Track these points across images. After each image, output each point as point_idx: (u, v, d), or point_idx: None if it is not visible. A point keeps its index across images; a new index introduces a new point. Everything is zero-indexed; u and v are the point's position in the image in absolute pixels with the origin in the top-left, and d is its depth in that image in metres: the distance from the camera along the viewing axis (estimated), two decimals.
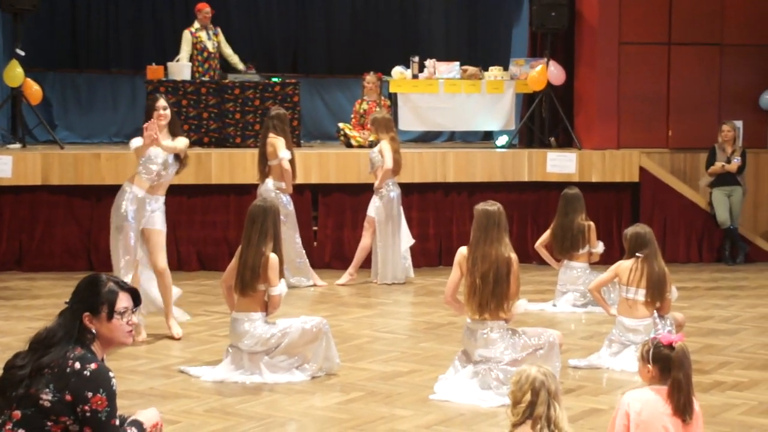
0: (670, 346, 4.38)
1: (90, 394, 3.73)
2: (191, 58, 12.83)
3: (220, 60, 13.09)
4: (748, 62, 13.04)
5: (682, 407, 4.36)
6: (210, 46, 12.97)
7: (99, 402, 3.73)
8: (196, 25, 12.97)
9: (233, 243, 10.53)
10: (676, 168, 12.75)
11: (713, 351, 8.03)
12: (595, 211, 11.82)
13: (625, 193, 12.46)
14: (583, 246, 9.70)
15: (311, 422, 6.20)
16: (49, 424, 3.73)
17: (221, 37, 13.13)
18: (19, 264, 11.17)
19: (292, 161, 10.36)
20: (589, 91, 12.88)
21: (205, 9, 12.96)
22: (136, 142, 8.17)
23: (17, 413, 3.72)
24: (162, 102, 8.22)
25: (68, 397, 3.71)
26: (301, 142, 12.69)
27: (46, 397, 3.72)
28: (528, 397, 4.04)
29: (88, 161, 11.21)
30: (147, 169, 8.16)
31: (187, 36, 12.91)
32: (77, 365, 3.75)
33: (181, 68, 12.51)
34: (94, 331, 3.91)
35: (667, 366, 4.37)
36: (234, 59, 13.17)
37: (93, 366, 3.77)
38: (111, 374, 3.84)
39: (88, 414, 3.72)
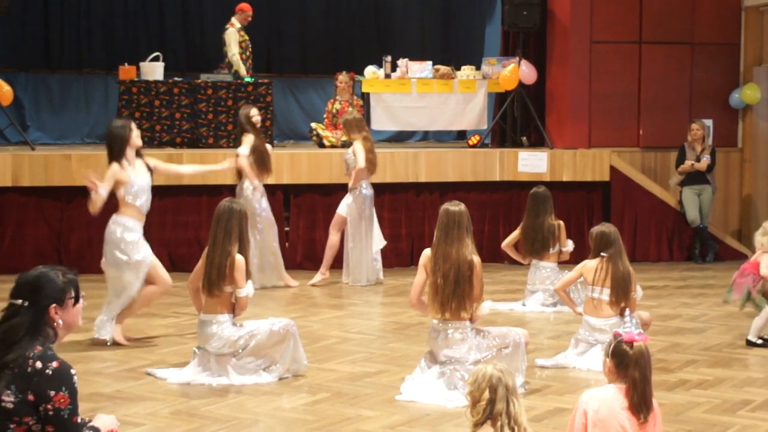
0: (630, 344, 4.41)
1: (53, 393, 3.71)
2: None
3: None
4: (718, 61, 13.12)
5: (636, 406, 4.39)
6: (251, 45, 13.05)
7: (62, 400, 3.72)
8: (237, 24, 12.97)
9: (205, 244, 10.41)
10: (646, 167, 12.82)
11: (679, 349, 8.08)
12: (566, 210, 11.89)
13: (596, 192, 12.52)
14: (554, 246, 9.74)
15: (277, 424, 6.21)
16: (11, 426, 3.71)
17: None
18: None
19: (265, 157, 10.37)
20: (560, 90, 12.94)
21: (249, 11, 12.99)
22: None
23: None
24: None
25: (31, 397, 3.69)
26: (274, 142, 12.67)
27: (8, 398, 3.69)
28: (486, 395, 4.06)
29: (59, 162, 11.18)
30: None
31: (234, 34, 12.93)
32: (38, 364, 3.73)
33: (153, 68, 12.48)
34: (60, 322, 3.90)
35: (623, 362, 4.40)
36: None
37: (55, 364, 3.75)
38: (72, 371, 3.83)
39: (51, 413, 3.70)
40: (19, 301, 3.85)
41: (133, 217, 8.05)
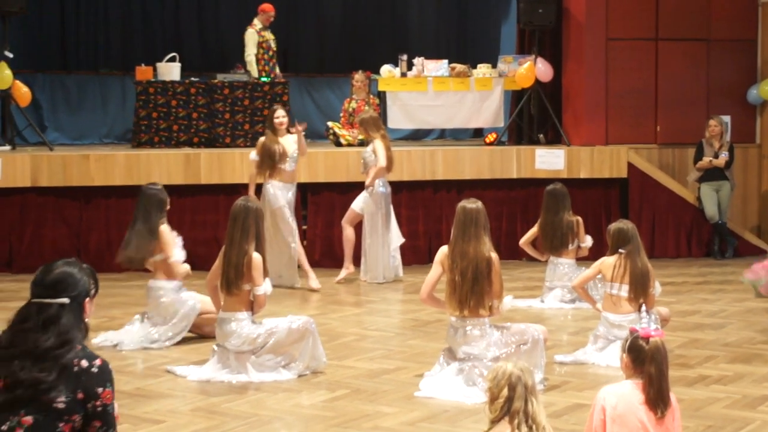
0: (646, 340, 4.41)
1: (100, 390, 3.74)
2: (257, 58, 13.00)
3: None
4: (735, 57, 13.08)
5: (653, 401, 4.40)
6: (274, 45, 13.07)
7: (108, 396, 3.76)
8: (259, 24, 13.02)
9: (223, 242, 10.53)
10: (664, 163, 12.79)
11: (699, 345, 8.07)
12: (583, 207, 11.86)
13: (613, 188, 12.50)
14: (573, 242, 9.73)
15: (296, 420, 6.22)
16: (60, 425, 3.75)
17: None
18: (9, 266, 11.21)
19: (273, 156, 10.30)
20: (576, 87, 12.92)
21: (271, 12, 13.03)
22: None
23: (28, 419, 3.70)
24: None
25: (80, 396, 3.71)
26: None
27: (60, 399, 3.72)
28: (505, 392, 4.06)
29: (77, 162, 11.23)
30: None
31: (253, 35, 12.99)
32: (84, 363, 3.75)
33: (170, 69, 12.53)
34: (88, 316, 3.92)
35: (640, 358, 4.41)
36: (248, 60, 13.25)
37: (98, 362, 3.78)
38: (111, 366, 3.86)
39: (99, 409, 3.73)
40: (61, 300, 3.81)
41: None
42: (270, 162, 10.25)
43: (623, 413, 4.39)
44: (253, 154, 10.39)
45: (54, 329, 3.76)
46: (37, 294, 3.84)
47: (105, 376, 3.77)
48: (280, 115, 10.36)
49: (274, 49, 13.12)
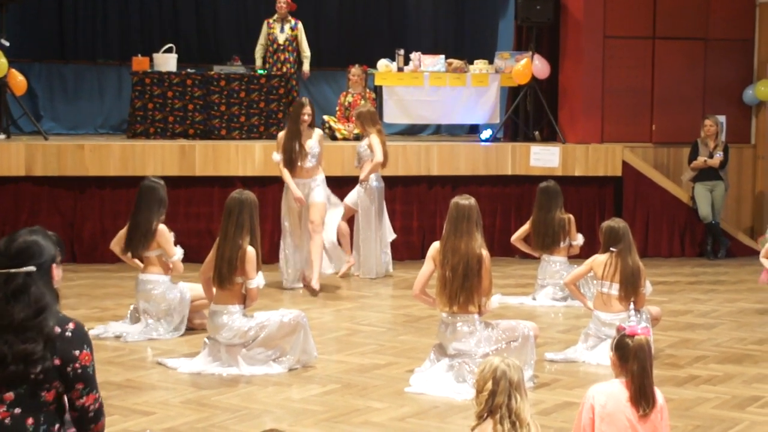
0: (632, 337, 4.44)
1: (77, 352, 3.75)
2: (265, 50, 13.02)
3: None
4: (732, 57, 13.09)
5: (635, 398, 4.43)
6: (281, 38, 13.03)
7: (86, 357, 3.77)
8: (275, 16, 13.02)
9: (216, 234, 10.50)
10: (659, 162, 12.80)
11: (689, 345, 8.09)
12: (577, 205, 11.90)
13: (607, 187, 12.51)
14: (564, 240, 9.75)
15: (287, 414, 6.23)
16: (43, 393, 3.75)
17: (299, 32, 13.11)
18: None
19: (293, 155, 9.98)
20: (573, 85, 12.92)
21: (280, 1, 12.99)
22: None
23: (9, 395, 3.71)
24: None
25: (57, 362, 3.72)
26: None
27: (39, 367, 3.73)
28: (489, 386, 4.08)
29: (72, 152, 11.23)
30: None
31: (264, 27, 13.06)
32: (57, 329, 3.75)
33: (167, 60, 12.52)
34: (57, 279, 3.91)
35: (625, 356, 4.44)
36: (304, 54, 13.20)
37: (71, 325, 3.78)
38: (85, 327, 3.87)
39: (79, 371, 3.75)
40: (27, 268, 3.77)
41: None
42: (287, 158, 9.94)
43: (612, 412, 4.42)
44: (275, 155, 10.06)
45: (25, 299, 3.75)
46: (2, 264, 3.80)
47: (81, 338, 3.78)
48: (307, 113, 9.90)
49: (280, 42, 13.05)
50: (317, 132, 10.14)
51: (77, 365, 3.74)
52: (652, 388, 4.47)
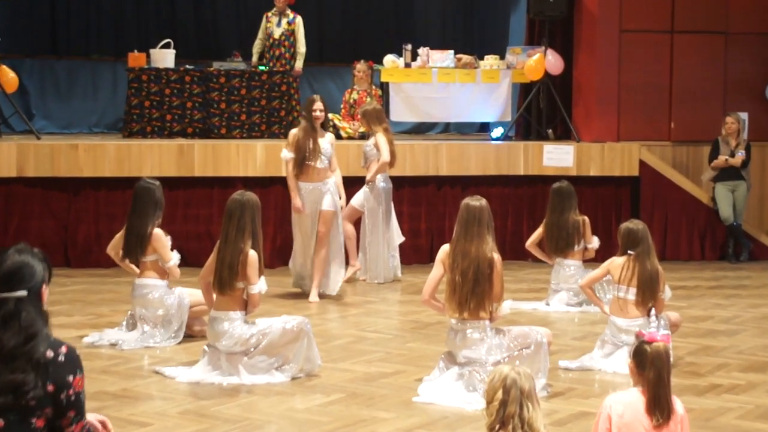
0: (650, 344, 4.43)
1: (71, 378, 3.72)
2: (263, 45, 13.07)
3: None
4: (753, 51, 13.07)
5: (650, 407, 4.42)
6: (277, 33, 13.01)
7: (79, 383, 3.75)
8: (273, 9, 13.04)
9: (216, 237, 10.50)
10: (677, 162, 12.78)
11: (711, 353, 8.07)
12: (593, 207, 11.89)
13: (624, 187, 12.50)
14: (578, 243, 9.73)
15: (290, 425, 6.22)
16: (33, 420, 3.74)
17: (296, 26, 13.04)
18: None
19: (305, 154, 9.77)
20: (588, 81, 12.91)
21: None
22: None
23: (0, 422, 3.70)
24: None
25: (50, 388, 3.68)
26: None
27: (30, 395, 3.71)
28: (499, 395, 4.07)
29: (66, 152, 11.23)
30: None
31: (263, 20, 13.09)
32: (49, 353, 3.72)
33: (164, 56, 12.53)
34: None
35: (642, 363, 4.43)
36: (298, 50, 13.08)
37: (63, 349, 3.75)
38: (77, 351, 3.85)
39: (72, 398, 3.71)
40: (18, 293, 3.72)
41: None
42: (299, 158, 9.72)
43: (630, 422, 4.41)
44: (285, 152, 9.82)
45: (15, 325, 3.70)
46: None
47: (73, 363, 3.75)
48: (318, 108, 9.77)
49: (276, 37, 13.05)
50: (330, 135, 10.09)
51: (71, 392, 3.72)
52: (669, 398, 4.45)
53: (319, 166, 9.76)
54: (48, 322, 3.80)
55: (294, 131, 9.93)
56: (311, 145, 9.71)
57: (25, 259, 3.80)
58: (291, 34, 13.07)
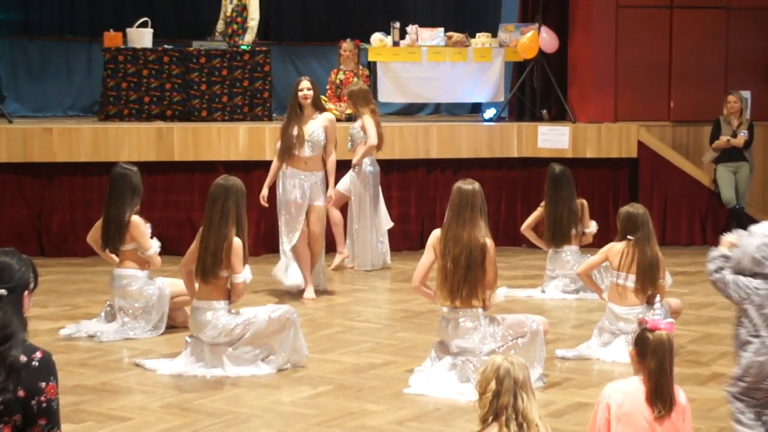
0: (653, 332, 4.45)
1: (43, 384, 3.74)
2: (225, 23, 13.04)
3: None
4: (757, 27, 13.08)
5: (651, 398, 4.44)
6: (229, 9, 12.95)
7: (52, 390, 3.76)
8: None
9: (197, 224, 10.52)
10: (677, 143, 12.81)
11: (713, 340, 8.11)
12: (589, 190, 11.91)
13: (622, 170, 12.52)
14: (576, 227, 9.76)
15: (276, 418, 6.25)
16: (0, 426, 3.75)
17: (249, 1, 12.98)
18: None
19: (290, 141, 9.42)
20: (584, 59, 12.92)
21: None
22: None
23: None
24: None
25: (21, 393, 3.70)
26: (273, 115, 12.69)
27: (0, 399, 3.72)
28: (492, 386, 4.09)
29: (39, 136, 11.21)
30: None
31: None
32: (23, 358, 3.75)
33: (141, 35, 12.49)
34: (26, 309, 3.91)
35: (644, 351, 4.45)
36: (249, 24, 12.94)
37: (38, 354, 3.77)
38: (53, 357, 3.86)
39: (44, 405, 3.73)
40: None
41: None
42: (283, 146, 9.43)
43: (629, 412, 4.43)
44: (279, 144, 9.57)
45: None
46: None
47: (47, 369, 3.77)
48: (305, 87, 9.39)
49: (228, 14, 12.95)
50: (325, 117, 9.53)
51: (42, 398, 3.73)
52: (671, 389, 4.48)
53: (305, 154, 9.35)
54: (26, 329, 3.83)
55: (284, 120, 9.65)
56: (295, 132, 9.34)
57: (8, 261, 3.85)
58: (243, 9, 12.98)
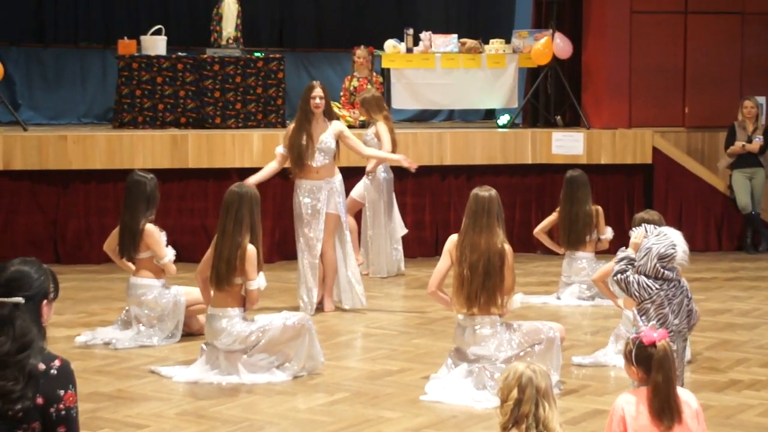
0: (653, 345, 4.40)
1: (62, 392, 3.75)
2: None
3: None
4: None
5: (658, 411, 4.38)
6: (222, 11, 12.98)
7: (71, 398, 3.77)
8: None
9: (211, 232, 10.50)
10: (692, 148, 12.77)
11: (730, 347, 8.07)
12: (604, 196, 11.88)
13: (637, 176, 12.49)
14: (591, 234, 9.73)
15: (292, 426, 6.24)
16: None
17: (223, 7, 12.99)
18: None
19: (301, 151, 9.13)
20: (598, 64, 12.90)
21: None
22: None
23: None
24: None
25: (40, 401, 3.71)
26: (287, 122, 12.67)
27: (18, 406, 3.73)
28: (514, 394, 4.08)
29: (54, 144, 11.23)
30: None
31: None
32: (42, 366, 3.76)
33: (155, 42, 12.52)
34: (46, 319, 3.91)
35: (648, 367, 4.40)
36: (225, 32, 13.00)
37: (57, 362, 3.78)
38: (72, 366, 3.87)
39: (63, 413, 3.74)
40: (15, 299, 3.78)
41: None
42: (294, 156, 9.12)
43: (646, 424, 4.39)
44: (279, 148, 9.31)
45: (9, 331, 3.74)
46: None
47: (66, 377, 3.78)
48: (317, 96, 9.04)
49: (221, 15, 13.01)
50: (336, 125, 9.27)
51: (61, 406, 3.74)
52: (677, 398, 4.43)
53: (317, 164, 9.09)
54: (45, 337, 3.84)
55: (290, 126, 9.40)
56: (305, 141, 9.06)
57: (28, 269, 3.87)
58: (221, 19, 12.97)
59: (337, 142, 9.25)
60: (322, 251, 9.20)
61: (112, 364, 7.52)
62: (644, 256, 5.64)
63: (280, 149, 9.32)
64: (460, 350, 6.82)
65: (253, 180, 8.89)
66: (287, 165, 9.28)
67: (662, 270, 5.59)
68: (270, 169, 9.35)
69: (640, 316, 5.60)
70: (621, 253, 5.76)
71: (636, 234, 5.94)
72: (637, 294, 5.61)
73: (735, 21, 12.97)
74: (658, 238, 5.65)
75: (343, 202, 9.33)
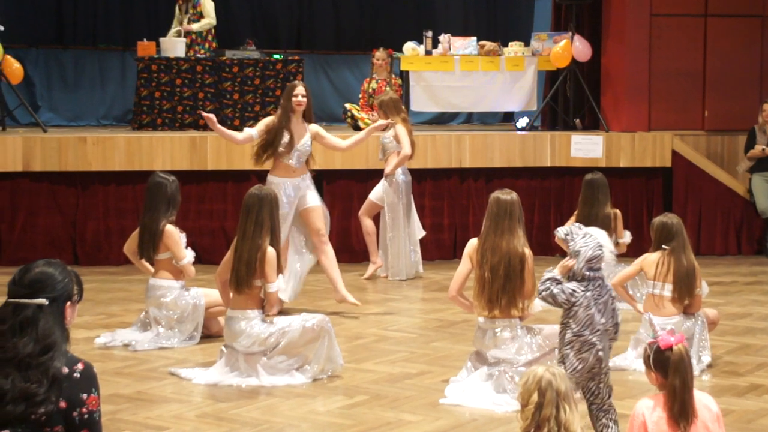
0: (670, 349, 4.40)
1: (85, 396, 3.76)
2: None
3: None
4: None
5: (676, 414, 4.38)
6: (175, 22, 13.01)
7: (93, 402, 3.78)
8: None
9: (231, 233, 10.57)
10: (712, 152, 12.75)
11: (750, 351, 8.05)
12: (623, 200, 11.87)
13: (656, 179, 12.47)
14: (610, 237, 9.69)
15: (311, 428, 6.25)
16: None
17: (202, 6, 12.94)
18: None
19: (275, 142, 9.04)
20: (617, 67, 12.88)
21: None
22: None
23: None
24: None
25: (63, 404, 3.73)
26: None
27: (41, 410, 3.74)
28: (535, 398, 4.07)
29: (73, 145, 11.27)
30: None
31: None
32: (65, 369, 3.77)
33: (174, 44, 12.56)
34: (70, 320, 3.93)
35: (666, 371, 4.39)
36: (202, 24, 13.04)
37: (80, 366, 3.79)
38: (95, 369, 3.88)
39: (86, 416, 3.76)
40: (38, 300, 3.80)
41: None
42: (271, 150, 9.03)
43: (665, 429, 4.38)
44: (252, 130, 9.12)
45: (32, 332, 3.75)
46: (13, 293, 3.82)
47: (89, 381, 3.79)
48: (299, 94, 8.97)
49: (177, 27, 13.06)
50: (313, 127, 9.14)
51: (84, 410, 3.75)
52: (693, 401, 4.42)
53: (294, 164, 9.00)
54: (68, 340, 3.85)
55: (270, 118, 9.18)
56: (285, 140, 8.93)
57: (52, 271, 3.88)
58: (200, 17, 12.99)
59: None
60: (320, 245, 9.15)
61: (132, 365, 7.55)
62: (579, 257, 5.62)
63: (253, 132, 9.08)
64: (480, 353, 6.82)
65: (222, 132, 9.03)
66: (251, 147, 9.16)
67: (588, 273, 5.59)
68: (236, 136, 9.21)
69: (568, 321, 5.60)
70: (547, 273, 5.71)
71: (560, 234, 5.85)
72: (566, 302, 5.60)
73: (755, 24, 12.94)
74: (585, 240, 5.65)
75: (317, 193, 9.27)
